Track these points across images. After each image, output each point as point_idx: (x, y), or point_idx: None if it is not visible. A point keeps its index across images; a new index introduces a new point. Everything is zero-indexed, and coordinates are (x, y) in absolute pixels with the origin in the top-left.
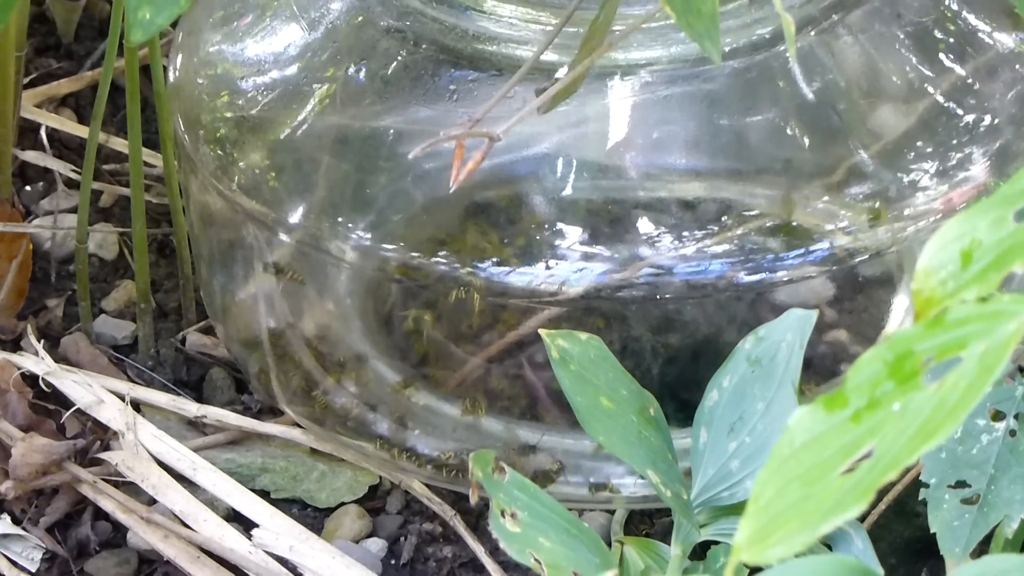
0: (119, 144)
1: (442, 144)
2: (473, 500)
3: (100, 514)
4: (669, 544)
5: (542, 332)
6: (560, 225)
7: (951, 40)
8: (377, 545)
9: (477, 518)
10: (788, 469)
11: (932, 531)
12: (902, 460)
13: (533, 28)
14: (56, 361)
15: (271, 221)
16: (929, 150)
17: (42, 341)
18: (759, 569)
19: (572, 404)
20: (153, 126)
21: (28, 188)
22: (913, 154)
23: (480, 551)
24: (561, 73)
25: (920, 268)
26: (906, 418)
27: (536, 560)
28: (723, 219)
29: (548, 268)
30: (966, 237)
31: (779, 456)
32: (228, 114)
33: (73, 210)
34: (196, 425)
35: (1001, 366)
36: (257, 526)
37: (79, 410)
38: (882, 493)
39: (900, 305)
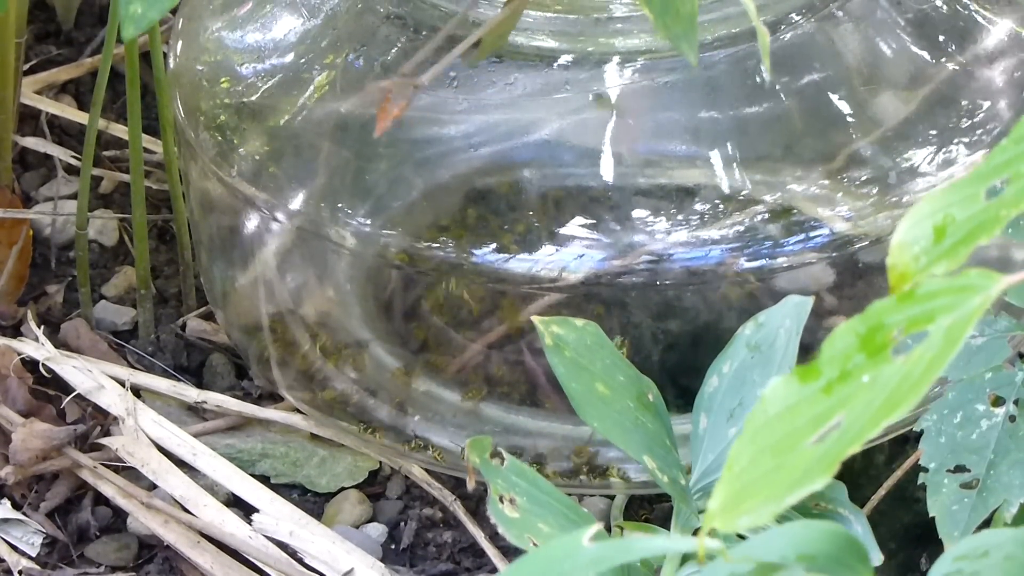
0: (119, 130)
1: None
2: (470, 486)
3: (100, 499)
4: (668, 529)
5: (535, 319)
6: (560, 212)
7: (951, 26)
8: (377, 530)
9: (477, 503)
10: (761, 438)
11: (931, 515)
12: (867, 432)
13: (533, 14)
14: (56, 347)
15: (271, 207)
16: (929, 136)
17: (42, 327)
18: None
19: (566, 391)
20: (153, 112)
21: (28, 174)
22: (913, 140)
23: (480, 536)
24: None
25: (895, 243)
26: (874, 390)
27: (535, 545)
28: (723, 205)
29: (548, 255)
30: (940, 213)
31: (753, 425)
32: (228, 101)
33: (73, 196)
34: (196, 411)
35: (964, 338)
36: (257, 511)
37: (79, 395)
38: (882, 479)
39: None
